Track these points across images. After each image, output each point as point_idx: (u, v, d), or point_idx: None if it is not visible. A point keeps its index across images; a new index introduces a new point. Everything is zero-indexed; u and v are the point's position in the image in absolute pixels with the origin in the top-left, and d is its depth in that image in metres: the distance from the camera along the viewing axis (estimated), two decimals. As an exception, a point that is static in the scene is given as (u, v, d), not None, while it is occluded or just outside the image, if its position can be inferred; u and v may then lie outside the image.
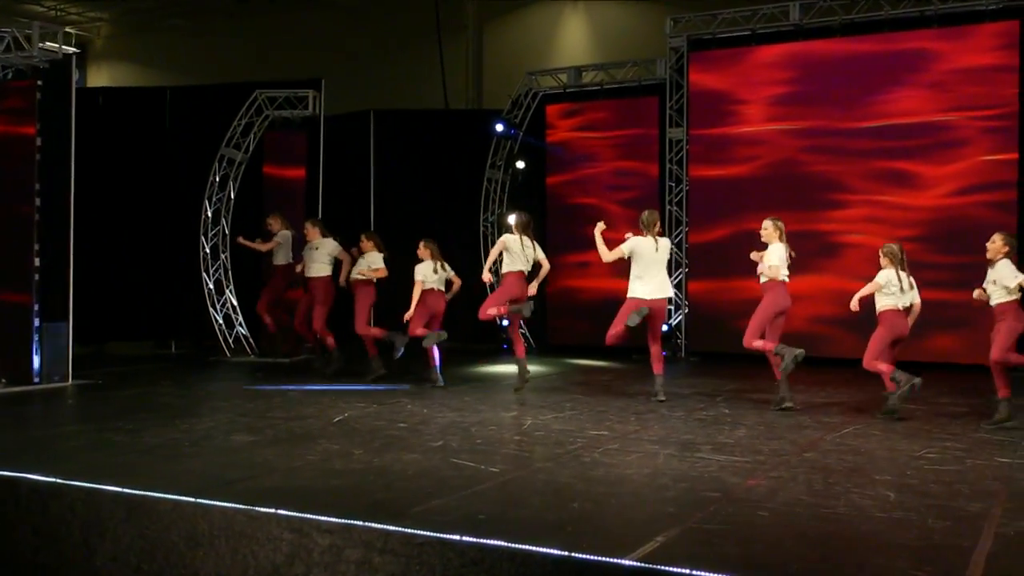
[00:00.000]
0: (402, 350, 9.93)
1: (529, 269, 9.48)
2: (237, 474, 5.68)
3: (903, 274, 8.01)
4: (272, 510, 4.75)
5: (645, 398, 8.95)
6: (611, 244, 8.96)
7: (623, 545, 4.20)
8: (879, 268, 8.18)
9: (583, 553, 4.10)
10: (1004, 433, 7.20)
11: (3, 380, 9.57)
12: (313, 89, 13.11)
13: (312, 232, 11.03)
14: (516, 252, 9.38)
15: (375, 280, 10.38)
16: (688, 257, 13.31)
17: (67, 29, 20.21)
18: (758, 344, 8.42)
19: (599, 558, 4.04)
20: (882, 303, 8.03)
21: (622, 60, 14.39)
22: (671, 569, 3.89)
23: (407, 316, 9.76)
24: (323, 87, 13.21)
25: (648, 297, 8.70)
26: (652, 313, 8.72)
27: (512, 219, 9.75)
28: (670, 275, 13.38)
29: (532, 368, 9.99)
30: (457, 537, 4.30)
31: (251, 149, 13.20)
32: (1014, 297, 7.41)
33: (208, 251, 13.11)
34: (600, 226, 8.93)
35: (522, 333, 14.73)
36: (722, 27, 13.04)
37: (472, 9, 17.84)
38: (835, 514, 4.81)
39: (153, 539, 5.00)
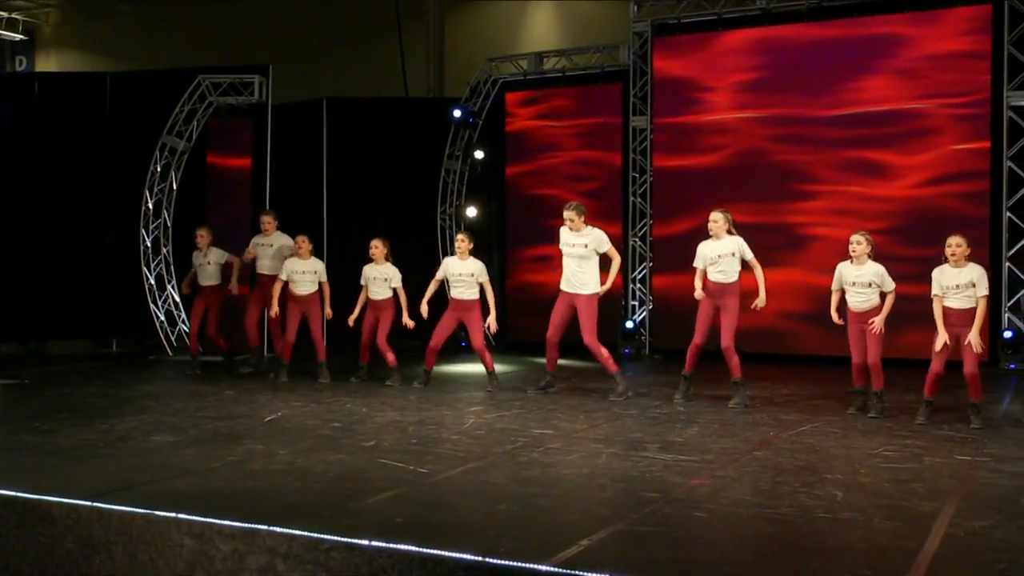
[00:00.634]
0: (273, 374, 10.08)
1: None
2: (146, 476, 5.44)
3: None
4: (173, 514, 4.52)
5: (600, 396, 8.77)
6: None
7: (545, 549, 4.01)
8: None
9: (499, 558, 3.91)
10: (967, 431, 7.08)
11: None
12: (260, 75, 12.82)
13: (271, 227, 10.61)
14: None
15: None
16: (652, 251, 13.15)
17: (14, 15, 19.93)
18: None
19: (514, 563, 3.85)
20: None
21: (585, 46, 14.22)
22: (589, 575, 3.70)
23: (352, 319, 9.66)
24: (270, 73, 12.94)
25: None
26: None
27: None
28: (634, 269, 13.36)
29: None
30: (366, 542, 4.09)
31: (194, 137, 12.91)
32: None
33: (149, 244, 12.81)
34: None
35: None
36: (687, 11, 12.89)
37: (433, -6, 17.60)
38: (778, 515, 4.63)
39: (46, 546, 4.76)
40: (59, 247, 13.59)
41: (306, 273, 9.87)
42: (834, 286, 8.01)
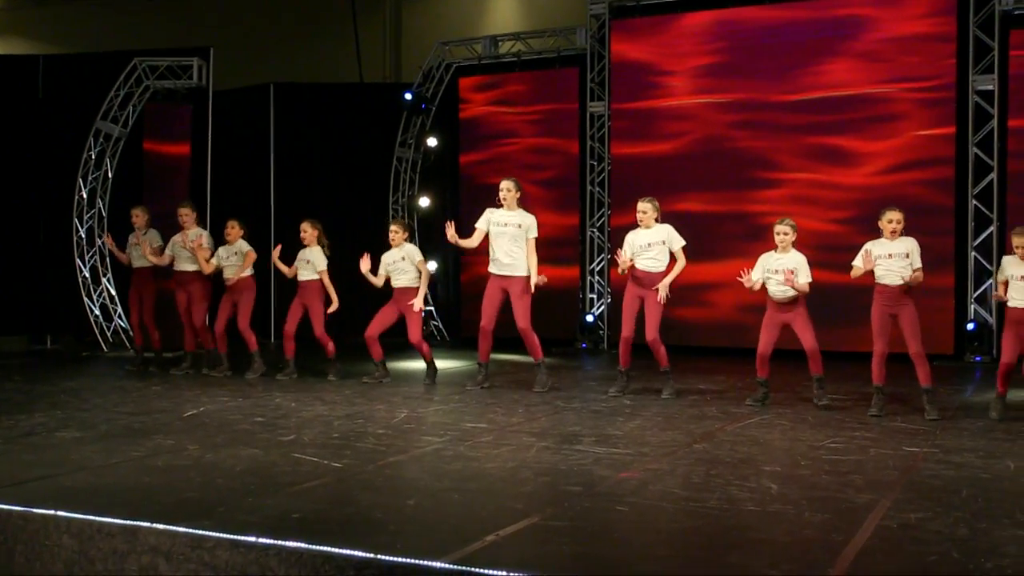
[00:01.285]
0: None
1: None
2: (38, 473, 5.19)
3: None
4: (52, 512, 4.29)
5: (552, 391, 8.57)
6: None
7: (446, 545, 3.81)
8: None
9: (394, 555, 3.70)
10: (922, 422, 6.95)
11: None
12: (199, 57, 12.55)
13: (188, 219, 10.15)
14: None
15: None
16: (611, 242, 12.98)
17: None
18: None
19: (407, 560, 3.64)
20: None
21: (540, 29, 14.03)
22: (485, 571, 3.50)
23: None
24: (211, 56, 12.66)
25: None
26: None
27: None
28: (592, 261, 13.19)
29: (441, 364, 9.81)
30: (252, 539, 3.88)
31: (130, 123, 12.62)
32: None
33: (83, 235, 12.51)
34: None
35: (435, 325, 14.43)
36: (646, -8, 12.75)
37: (388, -23, 17.36)
38: (703, 508, 4.46)
39: (-84, 547, 4.51)
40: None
41: (230, 257, 9.62)
42: (755, 275, 7.84)
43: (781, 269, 7.61)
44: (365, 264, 9.05)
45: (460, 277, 14.04)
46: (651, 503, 4.57)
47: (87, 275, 12.53)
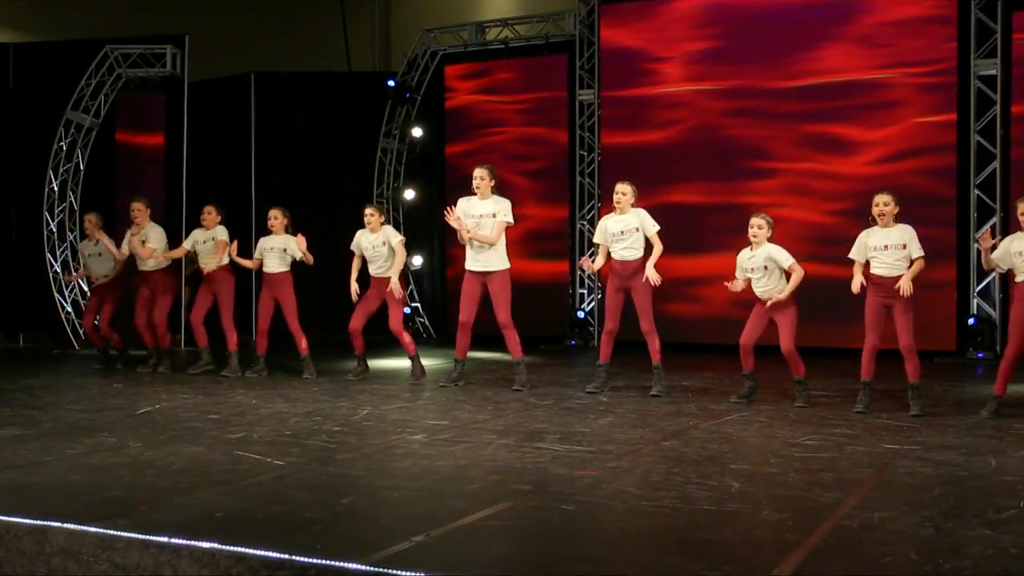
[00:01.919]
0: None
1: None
2: (-37, 471, 5.07)
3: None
4: (-41, 511, 4.16)
5: (527, 388, 8.42)
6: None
7: (371, 546, 3.67)
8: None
9: (311, 556, 3.56)
10: (907, 419, 6.77)
11: None
12: (173, 45, 12.42)
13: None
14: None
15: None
16: (601, 235, 12.80)
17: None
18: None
19: (322, 561, 3.50)
20: None
21: (528, 15, 13.88)
22: (400, 573, 3.35)
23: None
24: (186, 43, 12.54)
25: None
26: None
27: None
28: (581, 254, 13.01)
29: (426, 362, 9.62)
30: (164, 539, 3.74)
31: (102, 113, 12.51)
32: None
33: (54, 229, 12.40)
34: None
35: (420, 322, 14.29)
36: (636, -24, 12.58)
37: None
38: (654, 508, 4.30)
39: None
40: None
41: (207, 242, 9.43)
42: (739, 274, 7.67)
43: (756, 267, 7.43)
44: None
45: (446, 272, 13.88)
46: (600, 502, 4.42)
47: (58, 270, 12.42)
